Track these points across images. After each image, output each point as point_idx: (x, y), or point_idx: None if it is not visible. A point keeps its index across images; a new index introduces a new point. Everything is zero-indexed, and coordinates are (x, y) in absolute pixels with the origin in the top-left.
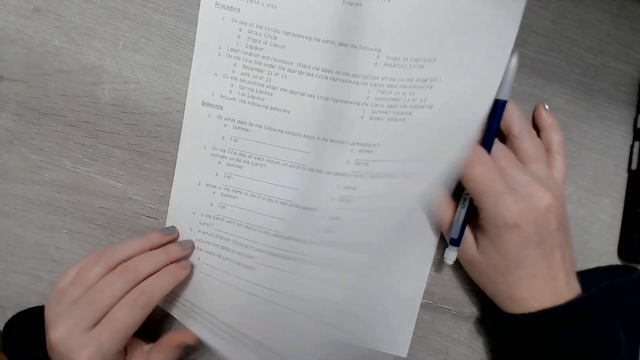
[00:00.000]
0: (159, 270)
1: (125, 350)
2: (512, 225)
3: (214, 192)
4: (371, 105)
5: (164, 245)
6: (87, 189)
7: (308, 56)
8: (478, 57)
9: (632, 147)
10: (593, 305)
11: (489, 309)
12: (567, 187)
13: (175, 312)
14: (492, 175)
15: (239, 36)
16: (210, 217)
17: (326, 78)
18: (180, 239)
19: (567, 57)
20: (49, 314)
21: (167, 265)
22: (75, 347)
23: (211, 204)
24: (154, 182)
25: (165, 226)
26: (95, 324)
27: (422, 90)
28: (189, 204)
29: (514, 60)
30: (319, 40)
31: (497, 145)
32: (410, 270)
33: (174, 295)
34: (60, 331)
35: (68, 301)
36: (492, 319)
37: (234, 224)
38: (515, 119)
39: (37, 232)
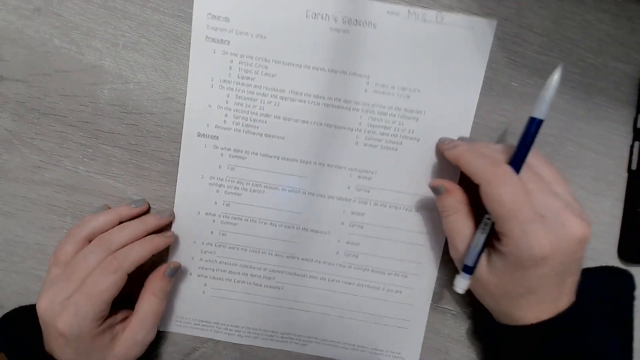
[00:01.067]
0: (137, 240)
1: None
2: (539, 259)
3: (213, 221)
4: (364, 132)
5: (136, 217)
6: (87, 189)
7: (299, 83)
8: (454, 92)
9: (632, 147)
10: (586, 311)
11: (482, 317)
12: None
13: (194, 332)
14: (520, 199)
15: (230, 67)
16: (211, 245)
17: (318, 104)
18: (182, 266)
19: (567, 57)
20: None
21: (147, 235)
22: (56, 314)
23: (211, 232)
24: (154, 182)
25: (169, 261)
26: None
27: (409, 122)
28: (189, 233)
29: (556, 76)
30: (309, 67)
31: (524, 166)
32: (419, 282)
33: (187, 319)
34: (43, 303)
35: (50, 279)
36: (485, 328)
37: (237, 249)
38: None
39: (37, 232)
